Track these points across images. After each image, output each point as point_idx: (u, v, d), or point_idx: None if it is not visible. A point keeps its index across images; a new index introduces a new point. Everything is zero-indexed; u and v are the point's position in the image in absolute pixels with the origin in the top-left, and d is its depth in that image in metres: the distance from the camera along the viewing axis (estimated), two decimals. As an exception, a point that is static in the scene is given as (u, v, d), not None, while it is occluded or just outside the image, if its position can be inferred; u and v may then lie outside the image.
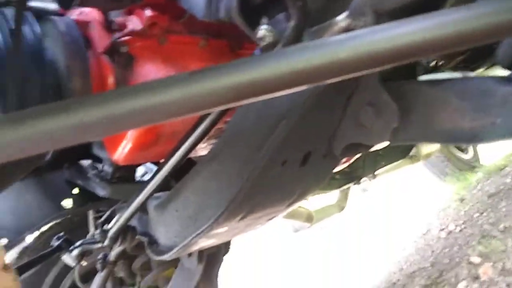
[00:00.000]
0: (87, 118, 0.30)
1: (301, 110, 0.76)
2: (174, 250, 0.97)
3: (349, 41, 0.37)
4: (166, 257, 1.07)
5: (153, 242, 1.18)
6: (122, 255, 1.38)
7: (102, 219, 1.37)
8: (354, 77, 0.81)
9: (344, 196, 2.22)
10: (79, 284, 1.44)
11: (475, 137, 0.66)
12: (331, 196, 2.13)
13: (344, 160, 1.55)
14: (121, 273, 1.50)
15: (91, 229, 1.44)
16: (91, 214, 1.45)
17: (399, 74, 0.82)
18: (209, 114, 0.88)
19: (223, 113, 0.85)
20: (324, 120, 0.81)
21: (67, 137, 0.31)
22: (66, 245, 1.40)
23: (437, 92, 0.70)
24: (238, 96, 0.36)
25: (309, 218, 1.89)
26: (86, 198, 1.40)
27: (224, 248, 1.46)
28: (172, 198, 1.02)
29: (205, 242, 1.00)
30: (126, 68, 0.93)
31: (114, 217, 1.35)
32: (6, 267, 0.71)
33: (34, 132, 0.30)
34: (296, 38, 0.66)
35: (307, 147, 0.83)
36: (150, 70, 0.94)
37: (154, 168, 1.37)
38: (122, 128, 0.32)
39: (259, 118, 0.79)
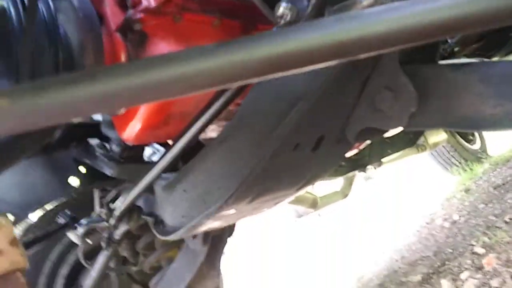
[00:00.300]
0: (114, 87, 0.29)
1: (317, 93, 0.74)
2: (181, 231, 0.97)
3: (383, 14, 0.35)
4: (173, 237, 1.07)
5: (159, 222, 1.18)
6: (126, 234, 1.39)
7: (108, 198, 1.37)
8: (371, 60, 0.80)
9: (349, 183, 2.22)
10: (83, 261, 1.45)
11: (496, 124, 0.64)
12: (336, 183, 2.12)
13: (356, 146, 1.53)
14: (124, 252, 1.50)
15: (96, 207, 1.44)
16: (96, 193, 1.45)
17: (419, 57, 0.80)
18: (221, 95, 0.87)
19: (236, 94, 0.84)
20: (339, 104, 0.79)
21: (93, 105, 0.30)
22: (72, 223, 1.41)
23: (459, 76, 0.68)
24: (269, 69, 0.35)
25: (313, 204, 1.89)
26: (93, 177, 1.39)
27: (228, 231, 1.46)
28: (181, 178, 1.01)
29: (213, 224, 1.00)
30: (139, 46, 0.92)
31: (119, 196, 1.35)
32: (14, 242, 0.71)
33: (60, 100, 0.29)
34: (317, 16, 0.64)
35: (321, 131, 0.81)
36: (163, 49, 0.92)
37: (161, 149, 1.36)
38: (146, 99, 0.31)
39: (273, 100, 0.77)
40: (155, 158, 1.36)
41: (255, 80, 0.35)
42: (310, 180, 0.93)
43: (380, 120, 0.77)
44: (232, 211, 0.88)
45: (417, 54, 0.82)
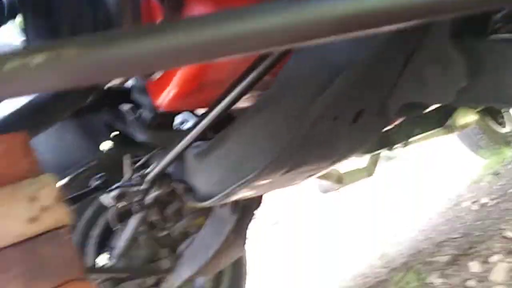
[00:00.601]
0: (184, 42, 0.28)
1: (360, 64, 0.72)
2: (214, 199, 0.98)
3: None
4: (205, 204, 1.08)
5: (189, 189, 1.20)
6: (157, 200, 1.42)
7: (140, 163, 1.39)
8: (418, 32, 0.76)
9: (374, 161, 2.19)
10: (113, 224, 1.50)
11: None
12: (361, 161, 2.09)
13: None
14: (153, 217, 1.54)
15: (126, 173, 1.47)
16: (126, 159, 1.48)
17: (470, 30, 0.76)
18: (259, 63, 0.85)
19: (275, 62, 0.82)
20: (383, 77, 0.77)
21: (160, 60, 0.30)
22: (104, 186, 1.45)
23: (516, 51, 0.64)
24: (327, 31, 0.33)
25: (339, 180, 1.88)
26: (123, 143, 1.41)
27: (256, 201, 1.47)
28: (215, 147, 1.01)
29: (245, 193, 1.01)
30: (175, 10, 0.90)
31: (150, 162, 1.37)
32: (58, 200, 0.73)
33: (128, 52, 0.28)
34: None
35: (361, 104, 0.79)
36: (199, 11, 0.90)
37: (192, 117, 1.37)
38: (217, 55, 0.30)
39: (314, 70, 0.75)
40: (185, 126, 1.37)
41: (320, 41, 0.33)
42: (345, 154, 0.91)
43: (425, 94, 0.75)
44: (266, 181, 0.89)
45: (468, 27, 0.78)
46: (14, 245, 0.62)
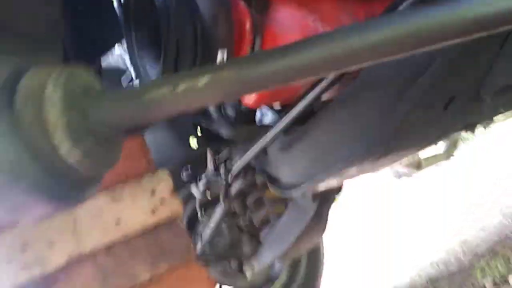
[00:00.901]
0: (319, 55, 0.34)
1: (454, 51, 0.72)
2: (301, 188, 1.03)
3: None
4: (292, 194, 1.14)
5: (272, 180, 1.27)
6: (240, 190, 1.51)
7: (223, 157, 1.49)
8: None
9: (454, 144, 2.11)
10: (200, 213, 1.62)
11: None
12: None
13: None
14: (236, 206, 1.64)
15: (210, 166, 1.58)
16: (210, 153, 1.58)
17: None
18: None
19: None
20: (476, 62, 0.76)
21: (298, 73, 0.36)
22: (192, 179, 1.57)
23: None
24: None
25: (418, 165, 1.85)
26: (208, 138, 1.52)
27: (337, 188, 1.50)
28: (300, 138, 1.06)
29: (331, 182, 1.05)
30: (262, 13, 0.95)
31: (233, 156, 1.46)
32: (173, 193, 0.82)
33: (278, 68, 0.34)
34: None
35: (454, 90, 0.80)
36: (286, 14, 0.94)
37: (269, 111, 1.43)
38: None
39: (406, 59, 0.77)
40: (265, 120, 1.43)
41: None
42: (435, 139, 0.92)
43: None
44: (354, 169, 0.92)
45: None
46: (139, 234, 0.71)
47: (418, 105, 0.79)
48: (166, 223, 0.78)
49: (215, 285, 1.53)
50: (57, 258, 0.57)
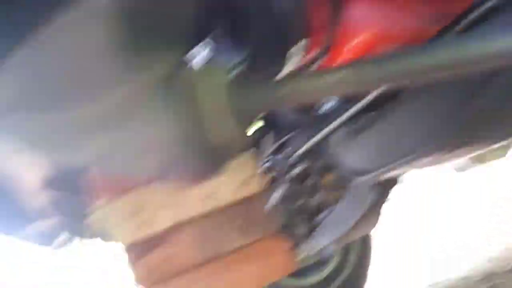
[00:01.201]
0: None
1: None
2: (369, 175, 1.06)
3: None
4: (354, 181, 1.18)
5: (335, 166, 1.31)
6: (301, 173, 1.57)
7: (284, 140, 1.55)
8: None
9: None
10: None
11: None
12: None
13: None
14: (294, 189, 1.69)
15: (272, 149, 1.64)
16: (271, 137, 1.64)
17: None
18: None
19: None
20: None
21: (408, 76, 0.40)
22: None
23: None
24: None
25: (481, 159, 1.80)
26: (272, 124, 1.58)
27: (393, 180, 1.51)
28: (366, 126, 1.09)
29: (397, 171, 1.07)
30: (337, 5, 0.97)
31: (294, 140, 1.51)
32: (255, 175, 0.90)
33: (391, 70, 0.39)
34: None
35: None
36: (361, 4, 0.96)
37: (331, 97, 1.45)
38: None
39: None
40: (327, 106, 1.47)
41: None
42: (508, 134, 0.91)
43: None
44: (425, 160, 0.94)
45: None
46: (236, 202, 0.81)
47: (494, 99, 0.79)
48: (255, 196, 0.87)
49: (296, 256, 1.60)
50: (164, 221, 0.67)
